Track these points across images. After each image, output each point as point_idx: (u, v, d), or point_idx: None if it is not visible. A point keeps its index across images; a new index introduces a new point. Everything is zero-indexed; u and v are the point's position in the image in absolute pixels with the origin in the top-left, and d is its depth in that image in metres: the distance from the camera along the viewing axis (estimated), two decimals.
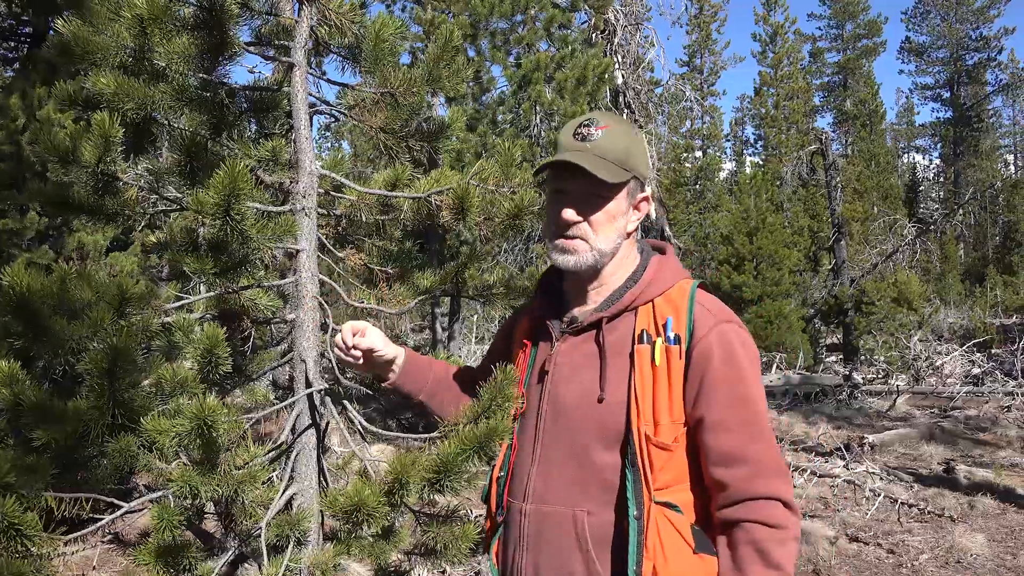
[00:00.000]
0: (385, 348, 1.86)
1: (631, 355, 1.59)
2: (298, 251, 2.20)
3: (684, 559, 1.51)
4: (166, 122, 2.28)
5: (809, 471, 7.71)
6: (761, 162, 28.97)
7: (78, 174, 2.19)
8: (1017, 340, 15.22)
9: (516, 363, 1.81)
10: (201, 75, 2.19)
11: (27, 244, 6.63)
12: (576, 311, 1.72)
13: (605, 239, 1.63)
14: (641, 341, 1.58)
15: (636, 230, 1.73)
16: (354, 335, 1.82)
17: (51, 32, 7.35)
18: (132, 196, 2.37)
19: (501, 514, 1.73)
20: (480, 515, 4.54)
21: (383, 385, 1.94)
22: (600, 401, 1.59)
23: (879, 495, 6.96)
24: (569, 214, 1.61)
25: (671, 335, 1.57)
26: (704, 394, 1.54)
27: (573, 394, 1.64)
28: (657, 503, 1.52)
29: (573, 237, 1.62)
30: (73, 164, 2.18)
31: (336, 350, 1.87)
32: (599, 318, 1.64)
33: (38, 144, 2.39)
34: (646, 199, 1.71)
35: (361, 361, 1.85)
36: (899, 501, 6.79)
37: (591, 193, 1.61)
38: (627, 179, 1.63)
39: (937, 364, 14.37)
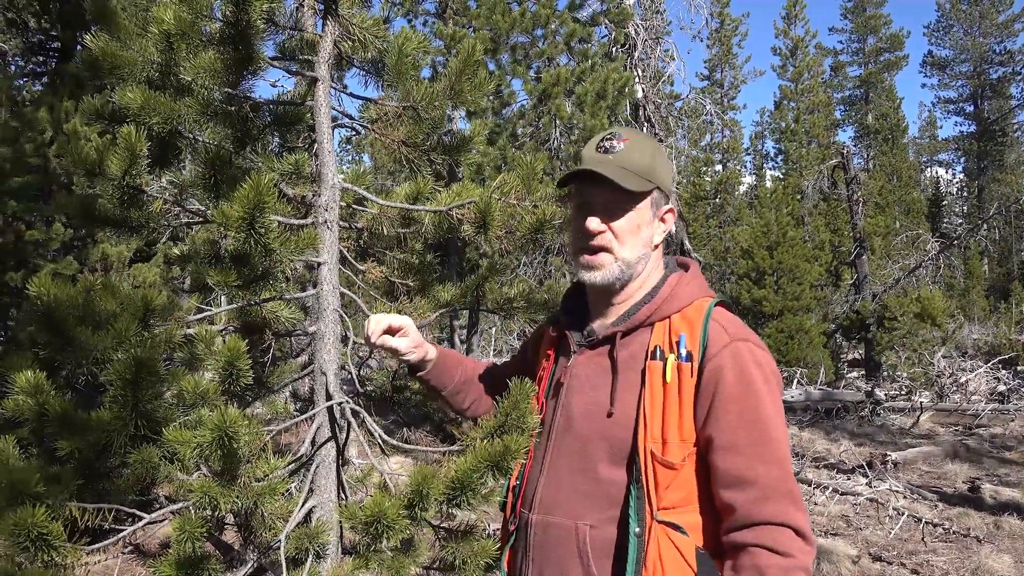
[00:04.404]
0: (412, 352, 1.89)
1: (643, 371, 1.57)
2: (320, 264, 2.21)
3: None
4: (191, 135, 2.30)
5: (831, 488, 7.61)
6: (782, 176, 28.75)
7: (104, 186, 2.22)
8: None
9: (538, 373, 1.82)
10: (226, 89, 2.22)
11: (52, 255, 6.72)
12: (595, 324, 1.71)
13: (630, 249, 1.63)
14: (654, 357, 1.56)
15: (662, 243, 1.71)
16: (385, 330, 1.84)
17: (79, 47, 7.49)
18: (157, 208, 2.40)
19: (514, 522, 1.72)
20: (497, 529, 4.51)
21: (416, 375, 1.97)
22: (609, 416, 1.58)
23: (902, 514, 6.85)
24: (594, 223, 1.61)
25: (683, 352, 1.54)
26: (714, 413, 1.50)
27: (584, 407, 1.63)
28: (660, 522, 1.48)
29: (597, 250, 1.62)
30: (99, 176, 2.21)
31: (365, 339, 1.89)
32: (614, 332, 1.63)
33: (65, 157, 2.42)
34: (671, 211, 1.70)
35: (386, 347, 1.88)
36: (923, 520, 6.67)
37: (615, 203, 1.61)
38: (650, 189, 1.63)
39: (961, 381, 14.16)
